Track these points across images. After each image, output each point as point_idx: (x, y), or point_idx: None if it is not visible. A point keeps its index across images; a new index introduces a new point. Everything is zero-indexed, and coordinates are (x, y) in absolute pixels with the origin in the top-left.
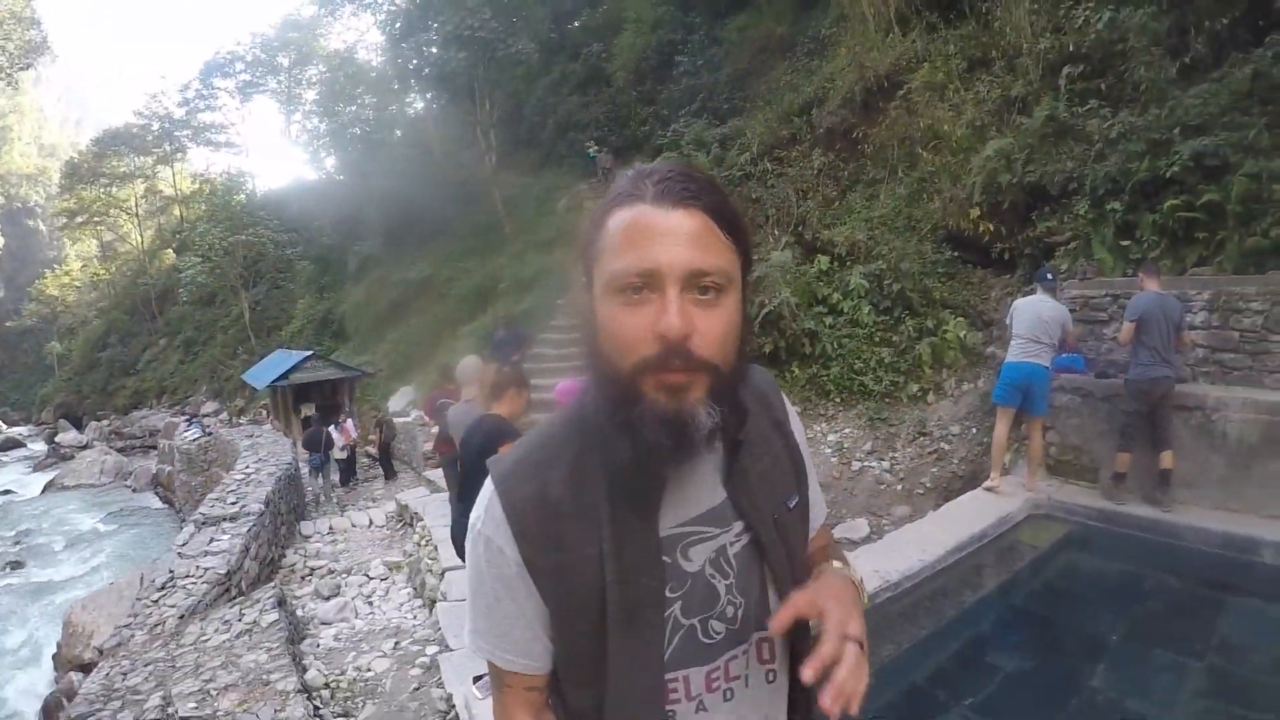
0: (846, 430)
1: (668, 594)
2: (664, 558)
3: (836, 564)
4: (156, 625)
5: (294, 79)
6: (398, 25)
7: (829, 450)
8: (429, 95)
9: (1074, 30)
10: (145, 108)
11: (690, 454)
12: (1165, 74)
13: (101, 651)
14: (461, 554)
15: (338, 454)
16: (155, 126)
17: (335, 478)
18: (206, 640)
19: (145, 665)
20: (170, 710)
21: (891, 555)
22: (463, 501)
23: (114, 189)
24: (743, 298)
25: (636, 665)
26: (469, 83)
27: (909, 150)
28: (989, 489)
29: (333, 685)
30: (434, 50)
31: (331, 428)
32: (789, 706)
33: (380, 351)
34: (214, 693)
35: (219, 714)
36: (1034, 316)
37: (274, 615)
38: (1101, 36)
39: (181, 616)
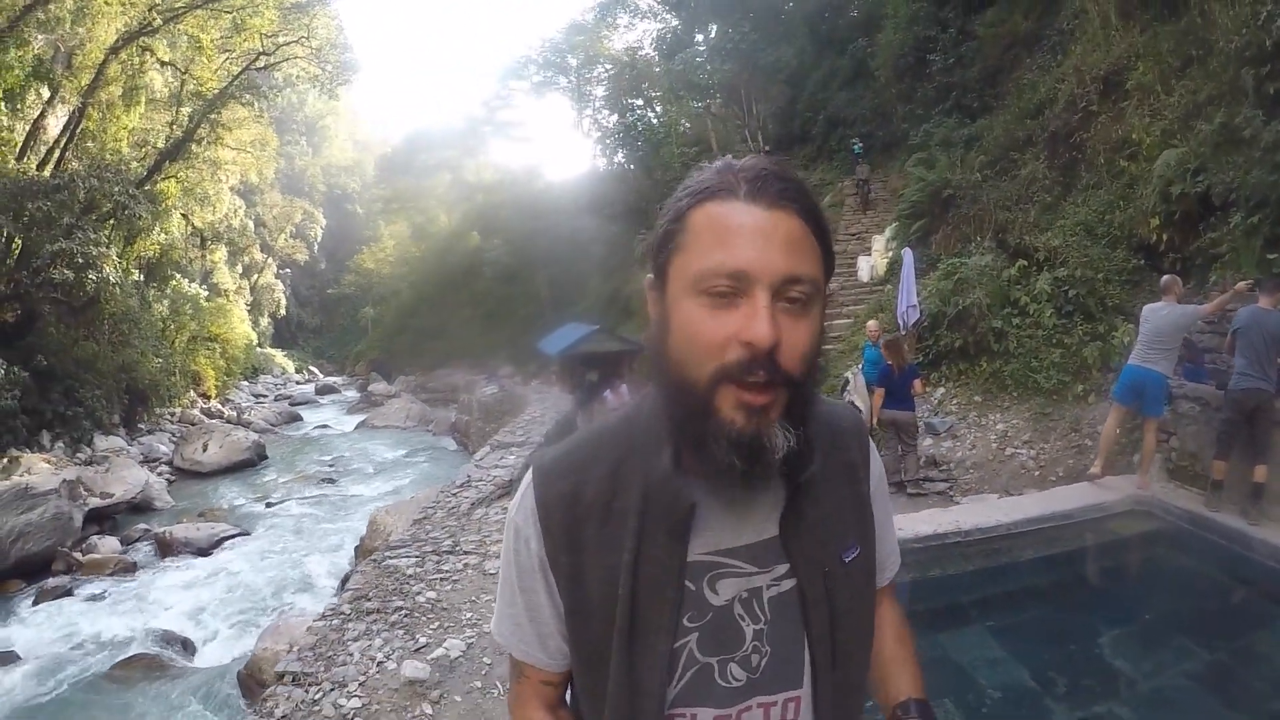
0: (1014, 421)
1: (685, 623)
2: (688, 584)
3: None
4: (453, 508)
5: (583, 77)
6: (667, 40)
7: (993, 436)
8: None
9: (1254, 27)
10: (450, 108)
11: (764, 478)
12: None
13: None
14: None
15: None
16: (459, 124)
17: None
18: (488, 518)
19: (442, 528)
20: (457, 548)
21: (975, 512)
22: None
23: (424, 179)
24: (823, 311)
25: (635, 687)
26: (736, 90)
27: (1112, 157)
28: (1090, 476)
29: None
30: (701, 61)
31: (608, 392)
32: None
33: None
34: (489, 542)
35: (490, 552)
36: (1152, 324)
37: None
38: None
39: (472, 504)
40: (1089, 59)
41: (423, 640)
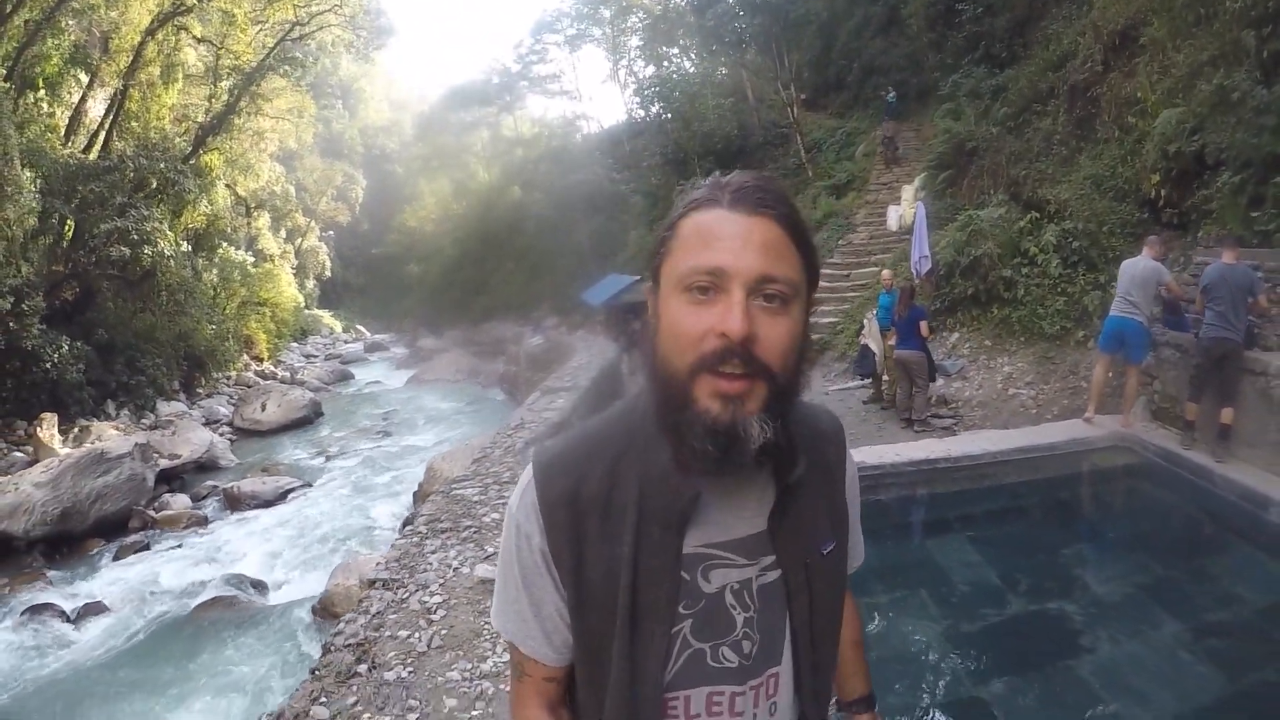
0: (1020, 365)
1: (680, 610)
2: (683, 574)
3: None
4: (509, 447)
5: (617, 28)
6: None
7: (999, 378)
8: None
9: None
10: (485, 65)
11: (738, 465)
12: None
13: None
14: None
15: None
16: (495, 80)
17: None
18: None
19: (501, 463)
20: (517, 478)
21: (966, 442)
22: None
23: (462, 136)
24: (806, 314)
25: (636, 672)
26: (767, 43)
27: (1122, 112)
28: (1085, 420)
29: None
30: (732, 15)
31: None
32: None
33: None
34: None
35: None
36: (1129, 276)
37: None
38: None
39: (526, 443)
40: (1109, 11)
41: (490, 550)
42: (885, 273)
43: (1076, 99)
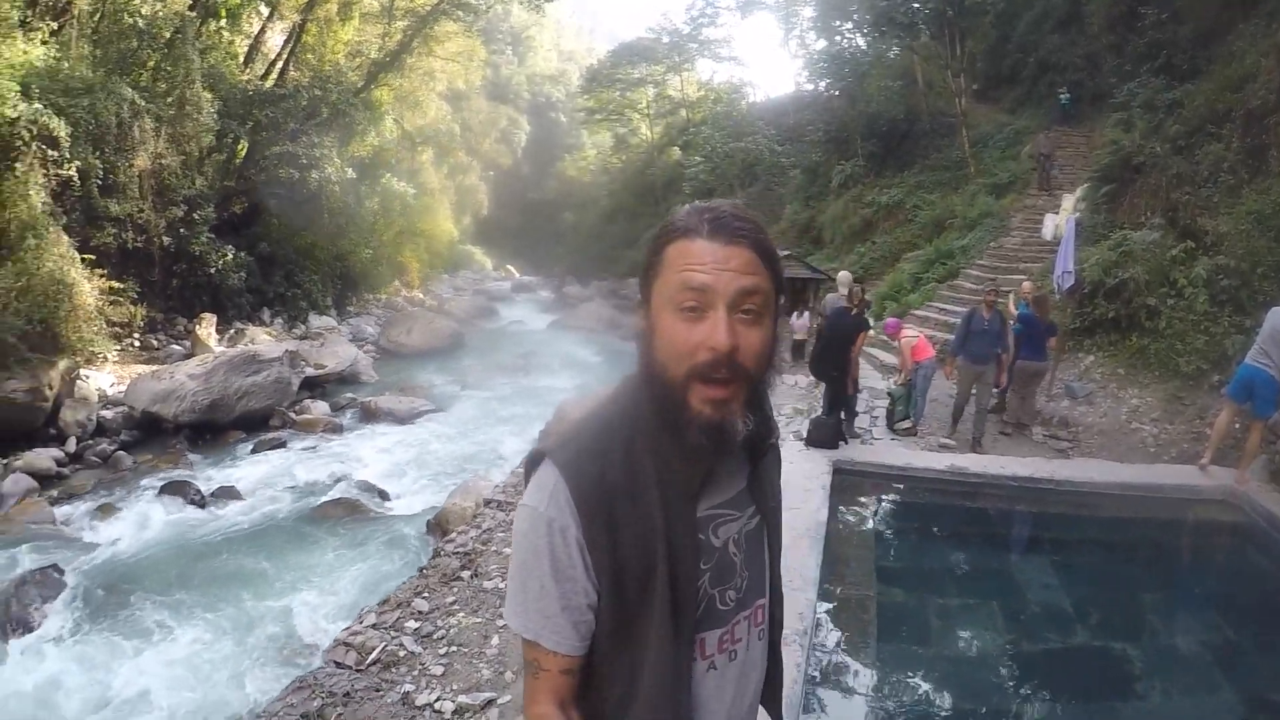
0: (1149, 399)
1: (701, 566)
2: (700, 535)
3: None
4: None
5: None
6: None
7: (1125, 409)
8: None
9: None
10: (656, 24)
11: (727, 455)
12: None
13: None
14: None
15: (796, 336)
16: (665, 40)
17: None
18: None
19: None
20: None
21: (1073, 467)
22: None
23: (628, 92)
24: (775, 320)
25: (676, 628)
26: (941, 28)
27: None
28: (1200, 466)
29: None
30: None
31: (793, 316)
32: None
33: (846, 262)
34: None
35: None
36: (1271, 326)
37: None
38: None
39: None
40: None
41: None
42: (1026, 284)
43: (1251, 125)
